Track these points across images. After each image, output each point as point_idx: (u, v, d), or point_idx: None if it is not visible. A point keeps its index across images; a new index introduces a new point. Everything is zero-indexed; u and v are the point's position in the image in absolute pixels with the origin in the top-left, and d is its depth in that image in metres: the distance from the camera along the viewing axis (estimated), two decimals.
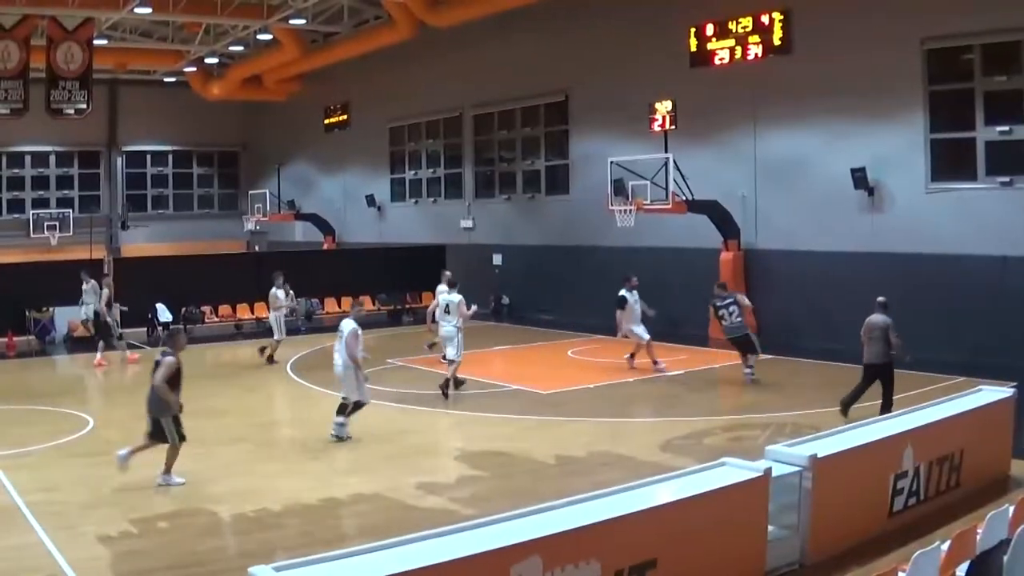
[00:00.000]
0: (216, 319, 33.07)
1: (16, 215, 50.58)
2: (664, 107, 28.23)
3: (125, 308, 27.46)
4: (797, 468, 10.36)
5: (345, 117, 47.53)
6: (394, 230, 43.71)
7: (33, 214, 50.14)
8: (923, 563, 7.35)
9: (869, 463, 11.13)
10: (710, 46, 28.91)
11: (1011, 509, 8.60)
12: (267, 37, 40.82)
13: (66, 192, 52.55)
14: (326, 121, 48.81)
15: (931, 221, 24.37)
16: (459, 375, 21.23)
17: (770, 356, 21.68)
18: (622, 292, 23.24)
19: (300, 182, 50.90)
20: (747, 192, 28.61)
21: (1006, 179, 23.11)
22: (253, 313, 33.52)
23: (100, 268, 31.22)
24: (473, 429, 18.07)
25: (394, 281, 36.65)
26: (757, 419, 18.06)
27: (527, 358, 26.51)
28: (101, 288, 26.77)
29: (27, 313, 29.54)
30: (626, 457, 15.18)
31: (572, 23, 33.96)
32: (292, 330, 32.17)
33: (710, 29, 28.83)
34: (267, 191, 47.74)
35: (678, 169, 27.03)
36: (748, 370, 21.66)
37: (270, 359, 25.94)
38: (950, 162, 24.64)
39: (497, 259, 37.23)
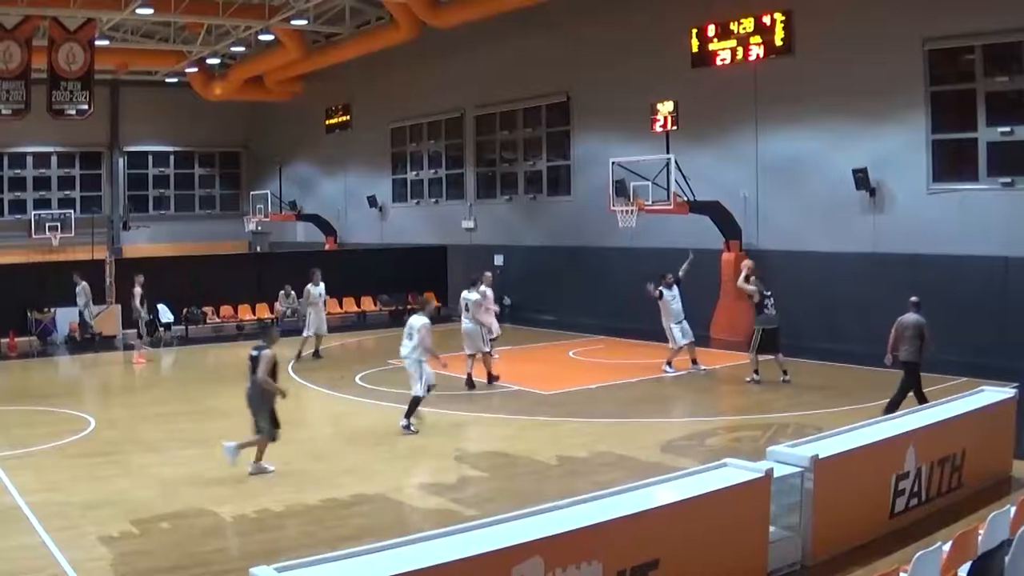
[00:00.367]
0: (218, 320, 33.06)
1: (18, 216, 50.63)
2: (666, 108, 28.25)
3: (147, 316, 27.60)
4: (799, 469, 10.35)
5: (347, 118, 47.57)
6: (396, 231, 43.72)
7: (35, 215, 50.19)
8: (924, 564, 7.34)
9: (871, 464, 11.12)
10: (712, 47, 28.93)
11: (1012, 510, 8.60)
12: (269, 38, 40.81)
13: (68, 193, 52.58)
14: (328, 122, 48.85)
15: (933, 222, 24.36)
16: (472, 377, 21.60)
17: (771, 357, 21.66)
18: (660, 288, 23.10)
19: (302, 183, 50.93)
20: (749, 193, 28.61)
21: (1008, 180, 23.10)
22: (255, 314, 33.53)
23: (101, 268, 31.31)
24: (474, 430, 18.08)
25: (396, 282, 36.65)
26: (759, 420, 18.04)
27: (528, 358, 26.49)
28: (136, 288, 26.76)
29: (29, 314, 29.54)
30: (628, 458, 15.17)
31: (574, 24, 33.96)
32: (294, 330, 32.25)
33: (712, 30, 28.85)
34: (269, 192, 47.74)
35: (679, 170, 27.02)
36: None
37: (315, 354, 26.46)
38: (952, 163, 24.63)
39: (499, 260, 37.21)
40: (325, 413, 19.77)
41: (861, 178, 25.36)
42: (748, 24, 27.98)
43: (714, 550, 9.39)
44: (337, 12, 38.70)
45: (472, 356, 21.82)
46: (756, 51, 27.82)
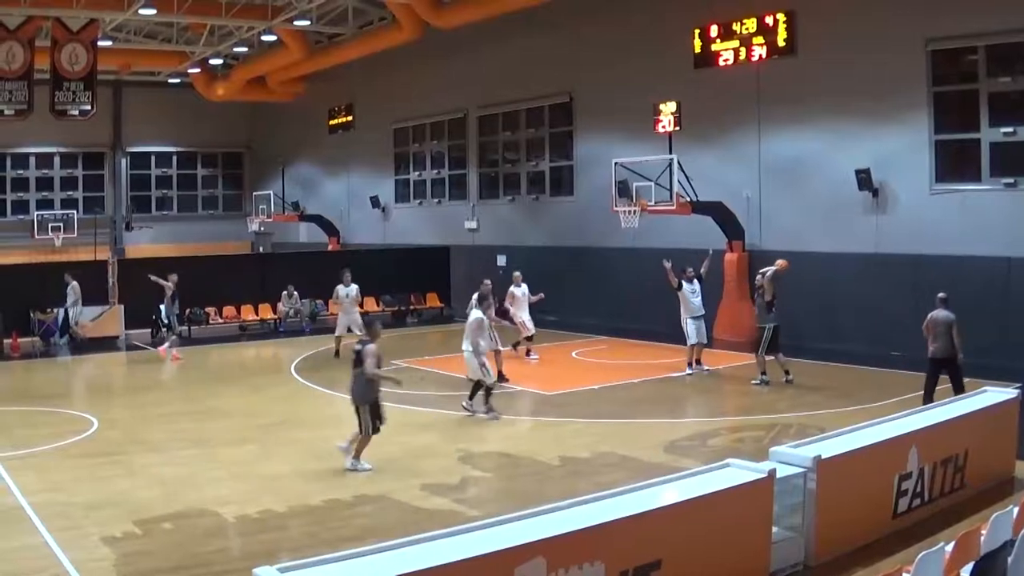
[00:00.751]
0: (220, 320, 33.06)
1: (20, 216, 50.69)
2: (668, 108, 28.25)
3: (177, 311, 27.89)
4: (801, 469, 10.35)
5: (349, 118, 47.58)
6: (398, 231, 43.73)
7: (37, 215, 50.22)
8: (927, 564, 7.34)
9: (873, 464, 11.12)
10: (714, 47, 28.93)
11: (1015, 510, 8.60)
12: (271, 38, 40.84)
13: (70, 193, 52.66)
14: (330, 122, 48.89)
15: (935, 222, 24.35)
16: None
17: (771, 358, 21.65)
18: (681, 280, 23.06)
19: (304, 183, 50.96)
20: (751, 193, 28.60)
21: (1010, 180, 23.08)
22: (257, 314, 33.54)
23: (104, 269, 31.32)
24: (477, 430, 18.06)
25: (399, 282, 36.66)
26: (761, 420, 18.03)
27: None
28: (170, 286, 27.02)
29: (31, 314, 29.52)
30: (630, 458, 15.17)
31: (576, 24, 33.97)
32: (296, 331, 32.29)
33: (714, 30, 28.85)
34: (271, 192, 47.83)
35: (682, 170, 27.02)
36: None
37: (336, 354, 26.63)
38: (954, 163, 24.62)
39: (501, 260, 37.20)
40: (327, 413, 19.74)
41: (864, 178, 25.35)
42: (751, 24, 27.98)
43: (717, 551, 9.39)
44: (340, 12, 38.74)
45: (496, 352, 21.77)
46: (759, 51, 27.82)
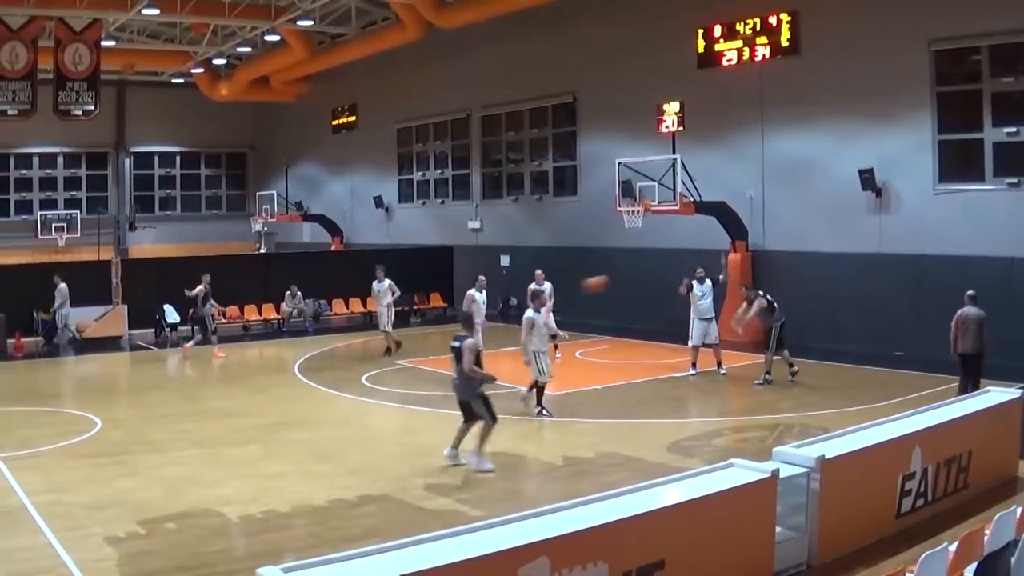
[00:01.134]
0: (224, 320, 33.00)
1: (24, 216, 50.72)
2: (672, 108, 28.24)
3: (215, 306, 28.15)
4: (805, 469, 10.35)
5: (353, 118, 47.60)
6: (402, 231, 43.74)
7: (41, 215, 50.18)
8: (931, 564, 7.33)
9: (877, 464, 11.11)
10: (718, 47, 28.92)
11: (1019, 510, 8.59)
12: (275, 38, 40.87)
13: (74, 193, 52.70)
14: (334, 122, 48.91)
15: (939, 222, 24.34)
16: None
17: (777, 357, 21.65)
18: (691, 281, 23.07)
19: (308, 183, 50.96)
20: (755, 193, 28.58)
21: (1014, 180, 23.07)
22: (261, 314, 33.55)
23: (107, 269, 31.33)
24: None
25: (402, 282, 36.40)
26: (765, 420, 18.03)
27: None
28: (201, 286, 27.20)
29: (34, 314, 29.53)
30: (634, 458, 15.17)
31: (580, 24, 33.96)
32: (300, 331, 32.29)
33: (718, 30, 28.85)
34: (275, 192, 47.82)
35: (686, 170, 27.01)
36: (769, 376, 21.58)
37: (388, 351, 26.81)
38: (958, 163, 24.61)
39: (505, 260, 37.24)
40: (330, 413, 19.77)
41: (867, 178, 25.34)
42: (754, 24, 27.96)
43: (720, 551, 9.39)
44: (343, 12, 38.76)
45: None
46: (762, 52, 27.81)
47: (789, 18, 27.17)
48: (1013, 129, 23.07)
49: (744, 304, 21.87)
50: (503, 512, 10.09)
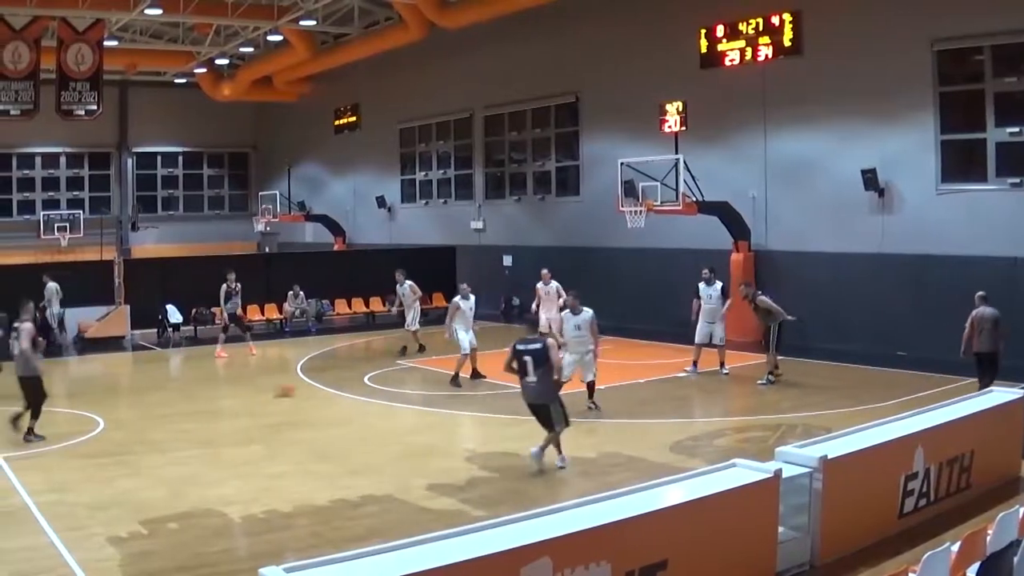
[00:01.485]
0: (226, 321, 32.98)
1: (27, 216, 50.75)
2: (674, 108, 28.18)
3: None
4: (807, 469, 10.34)
5: (355, 118, 47.59)
6: (404, 231, 43.74)
7: (43, 215, 50.22)
8: (933, 564, 7.33)
9: (879, 464, 11.11)
10: (720, 47, 28.91)
11: (1021, 510, 8.57)
12: (277, 38, 40.92)
13: (76, 193, 52.73)
14: (336, 122, 48.90)
15: (941, 222, 24.32)
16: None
17: (780, 357, 21.65)
18: (698, 285, 23.13)
19: (310, 183, 50.95)
20: (757, 193, 28.57)
21: (1016, 180, 23.05)
22: (263, 314, 33.53)
23: (110, 269, 31.33)
24: (483, 430, 18.08)
25: None
26: (767, 420, 18.02)
27: None
28: (225, 285, 27.59)
29: (36, 315, 29.46)
30: (636, 458, 15.16)
31: (582, 24, 33.95)
32: (302, 331, 32.29)
33: (720, 30, 28.83)
34: (277, 192, 47.82)
35: (688, 170, 26.98)
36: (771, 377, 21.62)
37: (404, 350, 26.91)
38: (960, 163, 24.60)
39: (507, 260, 37.24)
40: (333, 413, 19.77)
41: (869, 178, 25.32)
42: (757, 24, 27.95)
43: (723, 551, 9.39)
44: (346, 12, 38.77)
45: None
46: (765, 51, 27.79)
47: (791, 18, 27.15)
48: (1016, 129, 23.05)
49: (753, 304, 21.83)
50: (505, 512, 10.09)
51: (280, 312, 33.36)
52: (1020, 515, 8.42)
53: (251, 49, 43.61)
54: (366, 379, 23.13)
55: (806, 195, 27.53)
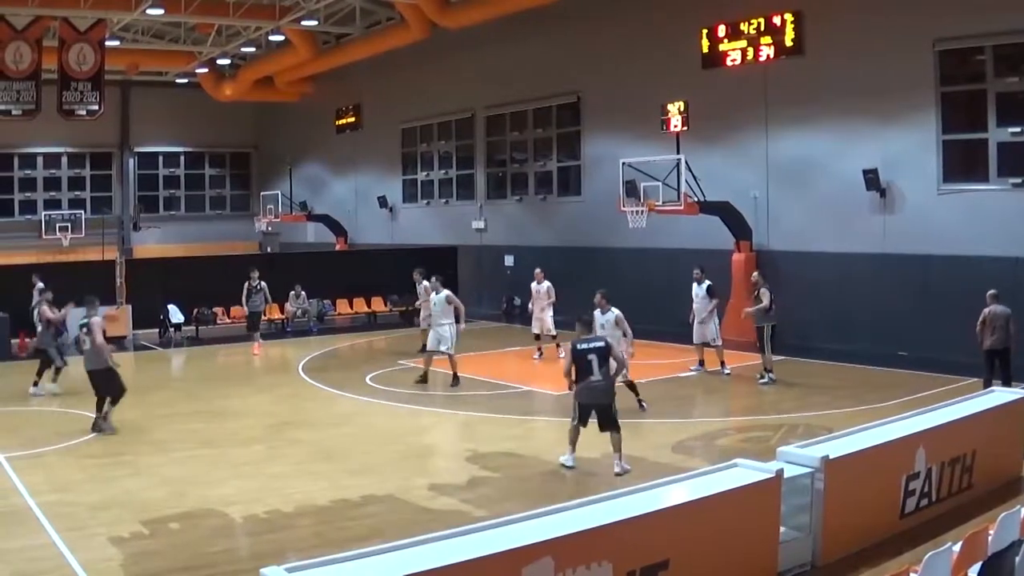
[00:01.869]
0: (228, 320, 33.00)
1: (28, 216, 50.80)
2: (676, 108, 28.18)
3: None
4: (809, 469, 10.34)
5: (357, 118, 47.60)
6: (406, 231, 43.75)
7: (45, 215, 50.32)
8: (935, 564, 7.33)
9: (881, 464, 11.11)
10: (722, 47, 28.91)
11: (1023, 510, 8.58)
12: (279, 38, 40.90)
13: (78, 193, 52.76)
14: (338, 122, 48.90)
15: (943, 222, 24.32)
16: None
17: (782, 357, 21.65)
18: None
19: (312, 183, 50.98)
20: (759, 193, 28.58)
21: (1018, 180, 23.05)
22: (265, 314, 33.48)
23: (111, 269, 31.30)
24: (484, 430, 18.06)
25: (406, 283, 36.51)
26: (769, 420, 18.03)
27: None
28: (248, 283, 27.96)
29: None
30: (638, 458, 15.14)
31: (584, 24, 33.96)
32: (304, 331, 32.29)
33: (722, 30, 28.84)
34: (279, 192, 47.82)
35: (690, 170, 27.00)
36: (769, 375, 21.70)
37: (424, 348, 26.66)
38: (962, 163, 24.60)
39: (509, 260, 37.25)
40: (334, 413, 19.77)
41: (871, 179, 25.32)
42: (758, 25, 27.96)
43: (724, 551, 9.39)
44: (347, 12, 38.78)
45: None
46: (766, 52, 27.80)
47: (793, 18, 27.17)
48: (1017, 129, 23.05)
49: (755, 293, 21.89)
50: (507, 512, 10.09)
51: (282, 312, 33.35)
52: (1022, 515, 8.42)
53: (253, 49, 43.60)
54: (368, 379, 23.15)
55: (808, 195, 27.53)
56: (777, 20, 27.45)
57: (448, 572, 7.48)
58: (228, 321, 32.84)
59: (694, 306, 22.92)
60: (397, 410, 19.75)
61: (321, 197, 49.78)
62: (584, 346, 14.50)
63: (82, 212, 50.99)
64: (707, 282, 22.96)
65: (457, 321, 22.51)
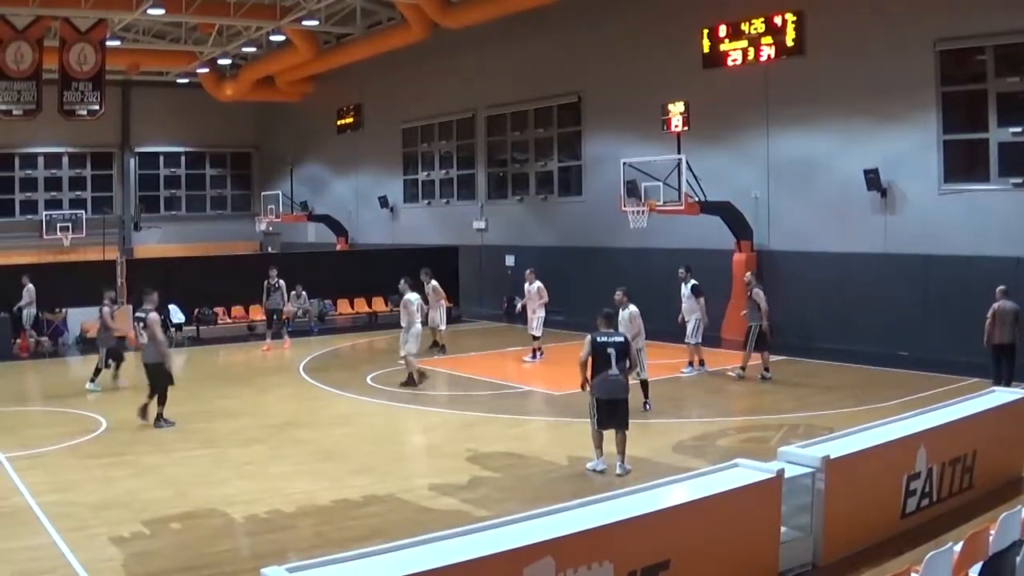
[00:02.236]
0: (229, 320, 33.02)
1: (29, 216, 50.77)
2: (677, 108, 28.19)
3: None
4: (810, 469, 10.34)
5: (358, 118, 47.59)
6: (407, 231, 43.74)
7: (46, 215, 50.32)
8: (936, 564, 7.33)
9: (882, 464, 11.10)
10: (723, 47, 28.92)
11: None
12: (280, 38, 40.90)
13: (79, 193, 52.74)
14: (339, 122, 48.89)
15: (944, 222, 24.33)
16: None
17: (783, 357, 21.66)
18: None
19: (313, 183, 50.98)
20: (760, 193, 28.58)
21: (1019, 180, 23.05)
22: (284, 313, 33.47)
23: (112, 269, 31.30)
24: (485, 430, 18.05)
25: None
26: (770, 420, 18.03)
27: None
28: (267, 281, 28.95)
29: (39, 315, 29.50)
30: (639, 458, 15.13)
31: (585, 24, 33.97)
32: (304, 331, 32.27)
33: (723, 30, 28.84)
34: (280, 192, 47.82)
35: (691, 170, 27.00)
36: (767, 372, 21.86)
37: (437, 345, 27.38)
38: (963, 163, 24.61)
39: (510, 260, 37.23)
40: (335, 413, 19.77)
41: (872, 179, 25.32)
42: (759, 25, 27.96)
43: (725, 551, 9.39)
44: (348, 12, 38.78)
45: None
46: (767, 52, 27.81)
47: (794, 18, 27.17)
48: (1018, 129, 23.05)
49: (749, 293, 22.07)
50: (508, 512, 10.10)
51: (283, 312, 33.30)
52: (1022, 515, 8.42)
53: (254, 49, 43.59)
54: (368, 379, 23.16)
55: (809, 195, 27.53)
56: (778, 20, 27.46)
57: (449, 572, 7.48)
58: (229, 321, 32.85)
59: (683, 306, 23.05)
60: (398, 410, 19.76)
61: (322, 197, 49.78)
62: (604, 339, 14.46)
63: (83, 212, 51.00)
64: (692, 281, 23.10)
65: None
